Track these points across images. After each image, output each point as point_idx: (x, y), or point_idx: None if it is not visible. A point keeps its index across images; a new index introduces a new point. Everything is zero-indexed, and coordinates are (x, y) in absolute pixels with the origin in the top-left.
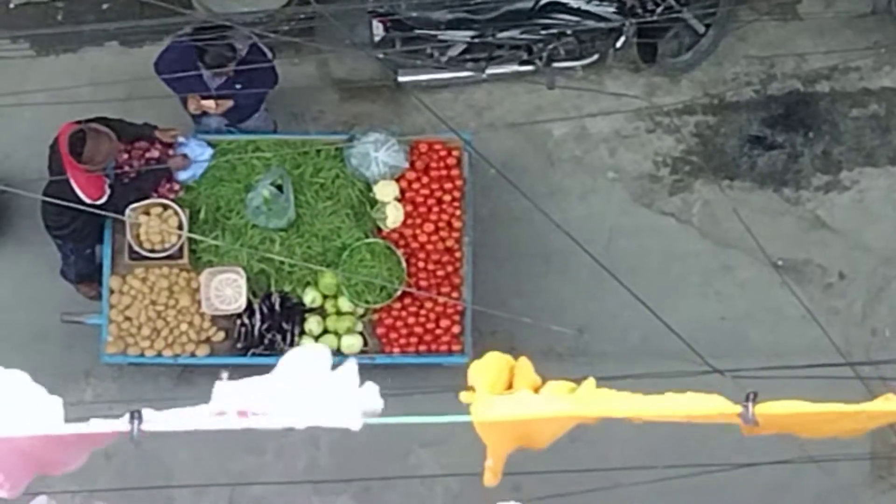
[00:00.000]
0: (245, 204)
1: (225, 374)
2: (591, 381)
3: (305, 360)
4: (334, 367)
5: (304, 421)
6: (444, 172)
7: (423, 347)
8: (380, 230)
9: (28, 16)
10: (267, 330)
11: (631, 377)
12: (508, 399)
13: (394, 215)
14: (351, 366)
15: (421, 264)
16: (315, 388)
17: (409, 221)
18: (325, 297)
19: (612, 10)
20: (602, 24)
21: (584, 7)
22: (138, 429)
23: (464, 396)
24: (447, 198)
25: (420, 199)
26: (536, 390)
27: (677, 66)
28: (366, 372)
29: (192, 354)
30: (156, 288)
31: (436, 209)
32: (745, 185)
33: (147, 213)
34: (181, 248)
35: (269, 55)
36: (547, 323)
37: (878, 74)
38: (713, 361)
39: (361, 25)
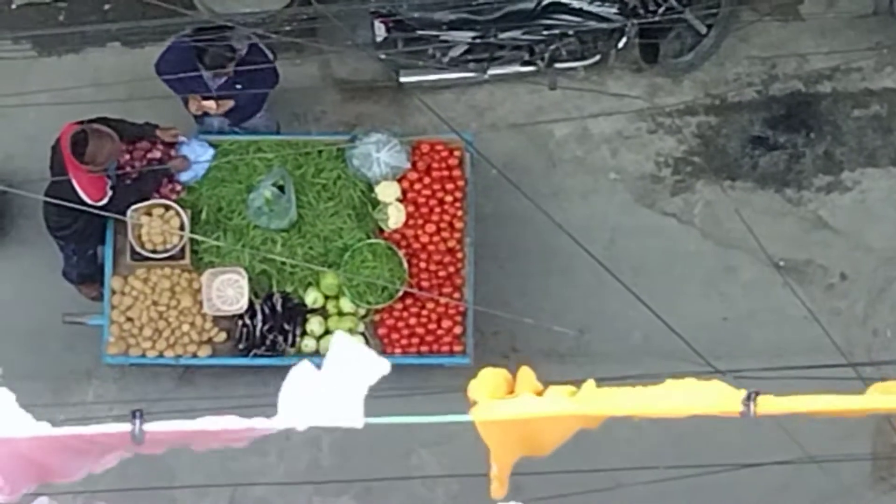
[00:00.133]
0: (247, 204)
1: None
2: (590, 382)
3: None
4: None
5: (305, 421)
6: (445, 173)
7: (424, 348)
8: (381, 231)
9: (30, 16)
10: (269, 331)
11: (632, 378)
12: (510, 401)
13: (395, 216)
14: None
15: (422, 265)
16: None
17: (411, 222)
18: (326, 297)
19: (614, 10)
20: (604, 25)
21: (586, 8)
22: (140, 428)
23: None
24: (449, 198)
25: (422, 200)
26: (539, 395)
27: (679, 66)
28: None
29: (194, 355)
30: (157, 288)
31: (437, 210)
32: (747, 185)
33: (149, 214)
34: (183, 249)
35: (270, 55)
36: (548, 323)
37: (880, 75)
38: (715, 362)
39: (363, 26)
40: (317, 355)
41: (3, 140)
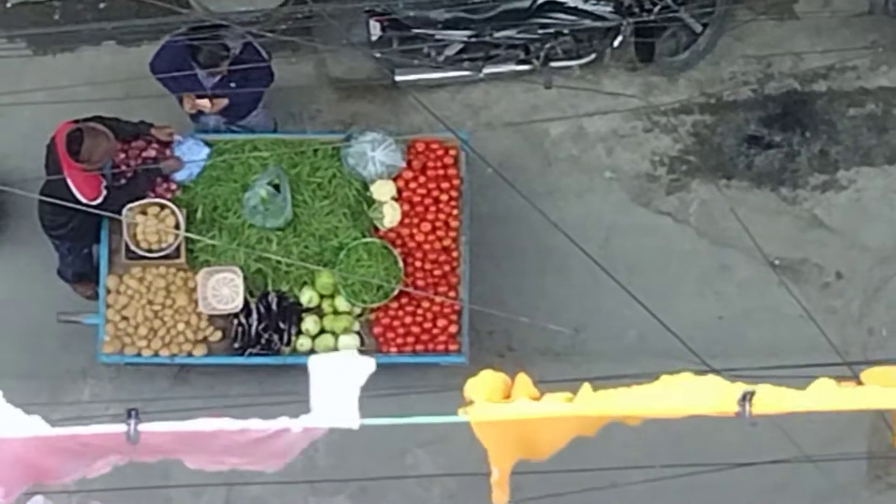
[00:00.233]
0: (242, 203)
1: None
2: (586, 386)
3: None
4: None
5: (301, 422)
6: (441, 172)
7: (420, 347)
8: (377, 229)
9: (25, 15)
10: (264, 329)
11: (628, 377)
12: (507, 405)
13: (391, 215)
14: (360, 361)
15: (418, 264)
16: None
17: (406, 221)
18: (322, 296)
19: (610, 9)
20: (599, 24)
21: (582, 6)
22: (135, 428)
23: (462, 413)
24: (444, 197)
25: (417, 199)
26: (535, 401)
27: (674, 65)
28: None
29: (189, 354)
30: (153, 287)
31: (433, 208)
32: (743, 184)
33: (144, 213)
34: (178, 248)
35: (264, 54)
36: (544, 322)
37: (875, 74)
38: (710, 360)
39: (358, 25)
40: (312, 354)
41: None
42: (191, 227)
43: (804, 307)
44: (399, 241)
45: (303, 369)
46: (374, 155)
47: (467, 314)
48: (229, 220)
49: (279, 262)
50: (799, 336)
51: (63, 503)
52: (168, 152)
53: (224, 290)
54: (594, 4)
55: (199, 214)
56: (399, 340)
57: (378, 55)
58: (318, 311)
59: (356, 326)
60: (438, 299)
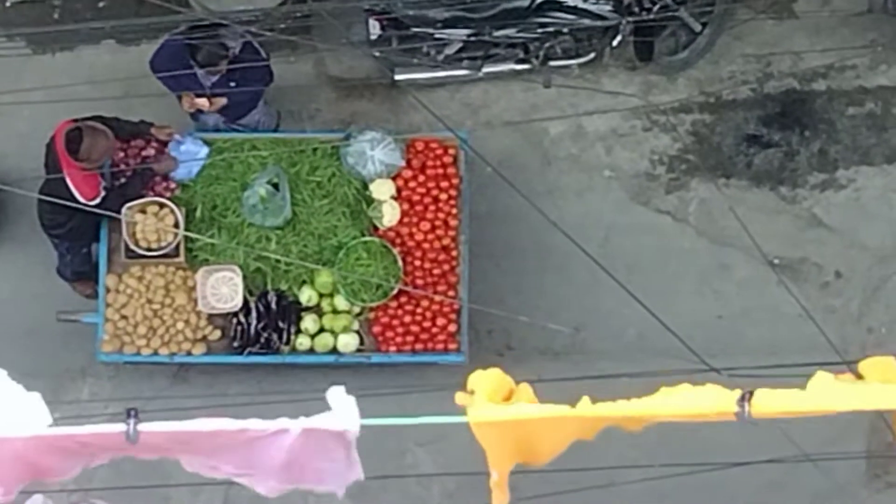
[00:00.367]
0: (241, 202)
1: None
2: (585, 399)
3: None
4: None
5: (300, 423)
6: (440, 171)
7: (419, 346)
8: (376, 229)
9: (24, 14)
10: (263, 328)
11: (627, 375)
12: (506, 406)
13: (390, 214)
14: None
15: (417, 263)
16: None
17: (406, 220)
18: (321, 295)
19: (609, 8)
20: (599, 23)
21: (581, 5)
22: (134, 428)
23: (459, 398)
24: (443, 196)
25: (416, 198)
26: None
27: (674, 64)
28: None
29: (189, 353)
30: (152, 286)
31: (432, 207)
32: (742, 183)
33: (143, 212)
34: (177, 247)
35: (263, 53)
36: (543, 321)
37: (875, 73)
38: (709, 359)
39: (358, 24)
40: (311, 353)
41: None
42: (190, 225)
43: (803, 306)
44: (398, 241)
45: (302, 368)
46: (374, 154)
47: (466, 313)
48: (228, 218)
49: (278, 260)
50: (798, 335)
51: (62, 502)
52: (166, 152)
53: (223, 288)
54: (593, 3)
55: (198, 213)
56: (398, 339)
57: (377, 54)
58: (317, 310)
59: (355, 325)
60: (438, 298)
